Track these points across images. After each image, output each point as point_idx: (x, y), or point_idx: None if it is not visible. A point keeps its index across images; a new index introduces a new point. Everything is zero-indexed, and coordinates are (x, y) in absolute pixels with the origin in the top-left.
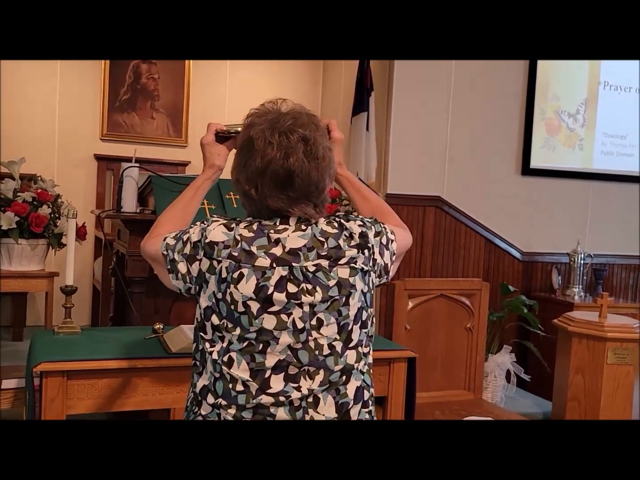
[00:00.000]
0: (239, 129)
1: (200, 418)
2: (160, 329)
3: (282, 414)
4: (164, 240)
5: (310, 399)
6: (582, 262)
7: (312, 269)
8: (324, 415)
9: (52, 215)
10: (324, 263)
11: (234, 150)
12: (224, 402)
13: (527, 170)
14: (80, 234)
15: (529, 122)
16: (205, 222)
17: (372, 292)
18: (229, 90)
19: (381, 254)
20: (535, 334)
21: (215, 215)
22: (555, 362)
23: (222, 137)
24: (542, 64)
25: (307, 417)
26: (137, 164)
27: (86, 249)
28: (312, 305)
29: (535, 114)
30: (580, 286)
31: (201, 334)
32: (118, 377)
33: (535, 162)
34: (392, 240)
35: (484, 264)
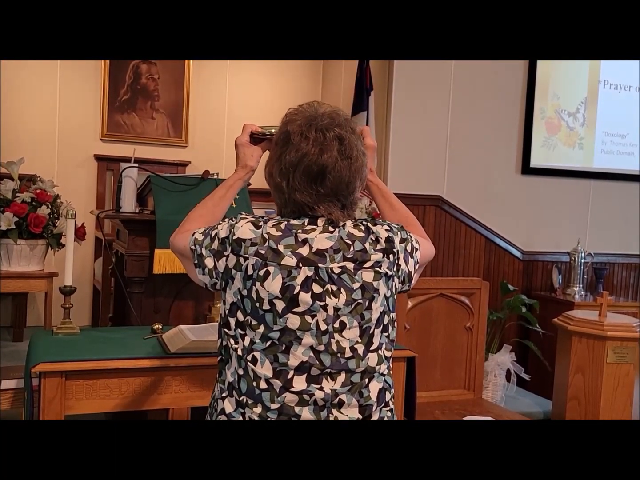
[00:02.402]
0: (274, 130)
1: (223, 416)
2: (159, 329)
3: (307, 414)
4: (193, 235)
5: (335, 401)
6: (582, 261)
7: (337, 270)
8: (347, 415)
9: (51, 216)
10: (350, 266)
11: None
12: (249, 401)
13: (527, 169)
14: (79, 234)
15: (529, 121)
16: (233, 219)
17: (395, 297)
18: (229, 90)
19: (405, 261)
20: (536, 333)
21: (243, 213)
22: (555, 361)
23: (257, 138)
24: (542, 63)
25: (332, 418)
26: (136, 164)
27: (86, 249)
28: (336, 309)
29: (535, 112)
30: (581, 285)
31: (225, 329)
32: (117, 377)
33: (535, 161)
34: (417, 249)
35: (484, 263)
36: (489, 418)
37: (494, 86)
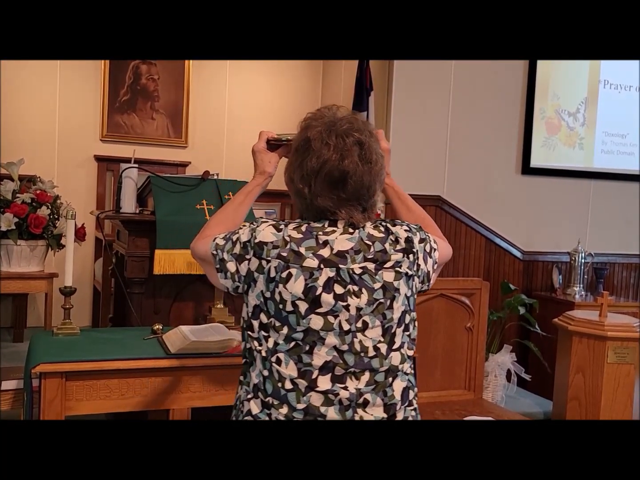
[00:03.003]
0: (290, 137)
1: (249, 418)
2: (159, 330)
3: (332, 414)
4: (214, 240)
5: (359, 400)
6: (582, 261)
7: (358, 271)
8: (372, 415)
9: (51, 217)
10: (370, 266)
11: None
12: (275, 401)
13: (527, 169)
14: (80, 234)
15: (529, 121)
16: (254, 223)
17: (415, 297)
18: (229, 91)
19: (424, 261)
20: (536, 333)
21: (263, 217)
22: (556, 362)
23: (273, 145)
24: (542, 63)
25: (357, 417)
26: (136, 165)
27: (87, 250)
28: (358, 309)
29: (535, 113)
30: (581, 285)
31: (249, 332)
32: (117, 378)
33: (535, 161)
34: (435, 249)
35: (484, 264)
36: (490, 418)
37: (494, 86)
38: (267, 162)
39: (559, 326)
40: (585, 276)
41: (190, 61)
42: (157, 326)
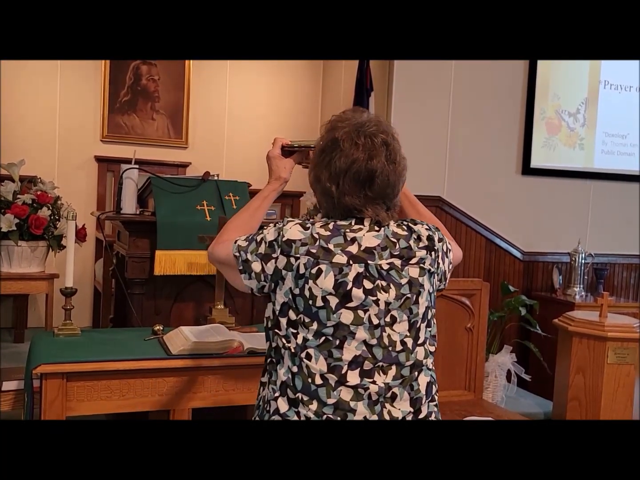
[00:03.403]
0: (302, 143)
1: (277, 417)
2: (160, 331)
3: (361, 408)
4: (235, 243)
5: (388, 395)
6: (582, 261)
7: (385, 267)
8: (399, 409)
9: (52, 217)
10: (397, 262)
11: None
12: (305, 397)
13: (527, 169)
14: (80, 235)
15: (529, 121)
16: (280, 223)
17: (435, 294)
18: (229, 91)
19: (442, 260)
20: (537, 333)
21: (289, 217)
22: (556, 362)
23: (287, 151)
24: (542, 63)
25: (385, 411)
26: (137, 166)
27: (87, 251)
28: (387, 303)
29: (535, 113)
30: (581, 286)
31: (275, 330)
32: (117, 378)
33: (535, 162)
34: (450, 250)
35: (484, 264)
36: (490, 419)
37: (494, 86)
38: (282, 167)
39: (559, 327)
40: (586, 277)
41: (190, 61)
42: (158, 327)
